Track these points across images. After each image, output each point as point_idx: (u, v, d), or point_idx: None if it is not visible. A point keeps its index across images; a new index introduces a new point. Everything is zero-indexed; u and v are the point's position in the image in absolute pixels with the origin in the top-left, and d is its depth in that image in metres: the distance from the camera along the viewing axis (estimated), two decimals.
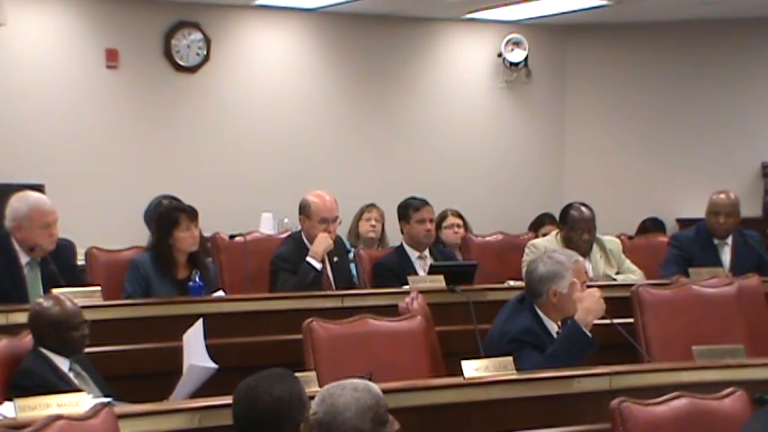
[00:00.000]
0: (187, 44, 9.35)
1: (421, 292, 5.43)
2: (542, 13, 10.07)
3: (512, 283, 6.38)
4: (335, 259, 6.47)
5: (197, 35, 9.38)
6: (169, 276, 5.99)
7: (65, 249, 5.87)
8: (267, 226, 8.84)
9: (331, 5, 9.58)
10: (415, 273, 6.54)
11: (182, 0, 9.31)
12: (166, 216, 6.10)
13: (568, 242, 6.63)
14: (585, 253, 6.60)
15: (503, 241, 7.50)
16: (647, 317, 5.40)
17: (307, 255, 6.25)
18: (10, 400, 3.83)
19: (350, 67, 10.05)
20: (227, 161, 9.51)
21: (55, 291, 5.02)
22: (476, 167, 10.47)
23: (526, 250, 6.79)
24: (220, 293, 5.99)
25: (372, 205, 8.20)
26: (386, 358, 4.69)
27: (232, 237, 6.80)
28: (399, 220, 6.90)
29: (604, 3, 9.60)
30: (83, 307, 4.61)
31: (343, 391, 3.22)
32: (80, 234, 6.48)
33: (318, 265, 6.23)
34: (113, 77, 9.13)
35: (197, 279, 5.92)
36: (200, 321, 4.87)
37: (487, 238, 7.53)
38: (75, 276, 5.82)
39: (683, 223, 9.53)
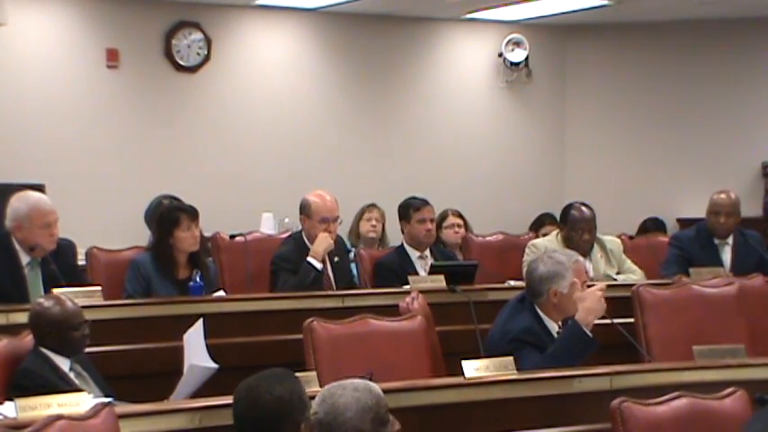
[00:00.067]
0: (188, 44, 9.35)
1: (421, 291, 5.43)
2: (543, 13, 10.07)
3: (512, 282, 6.38)
4: (336, 259, 6.47)
5: (197, 35, 9.38)
6: (170, 276, 5.99)
7: (65, 249, 5.87)
8: (268, 226, 8.84)
9: (331, 5, 9.58)
10: (416, 273, 6.54)
11: (182, 0, 9.32)
12: (167, 216, 6.10)
13: (569, 242, 6.63)
14: (586, 253, 6.60)
15: (503, 241, 7.50)
16: (648, 317, 5.41)
17: (307, 255, 6.25)
18: (11, 399, 3.83)
19: (350, 66, 10.05)
20: (228, 161, 9.51)
21: (55, 291, 5.03)
22: (476, 167, 10.47)
23: (527, 250, 6.79)
24: (221, 293, 5.99)
25: (373, 205, 8.20)
26: (386, 358, 4.69)
27: (233, 237, 6.80)
28: (400, 219, 6.90)
29: (605, 3, 9.60)
30: (83, 307, 4.61)
31: (343, 392, 3.22)
32: (81, 234, 6.47)
33: (319, 265, 6.23)
34: (114, 77, 9.13)
35: (197, 279, 5.92)
36: (200, 321, 4.87)
37: (488, 238, 7.53)
38: (75, 276, 5.82)
39: (684, 223, 9.53)
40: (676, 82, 10.59)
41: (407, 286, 6.01)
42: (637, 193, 10.51)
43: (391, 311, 5.12)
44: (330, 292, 6.12)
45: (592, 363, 4.66)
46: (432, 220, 6.88)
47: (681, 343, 5.08)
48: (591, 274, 6.47)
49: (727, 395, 3.86)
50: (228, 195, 9.31)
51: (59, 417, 3.28)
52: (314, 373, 4.13)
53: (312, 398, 3.30)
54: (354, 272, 6.87)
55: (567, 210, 6.83)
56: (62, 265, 5.71)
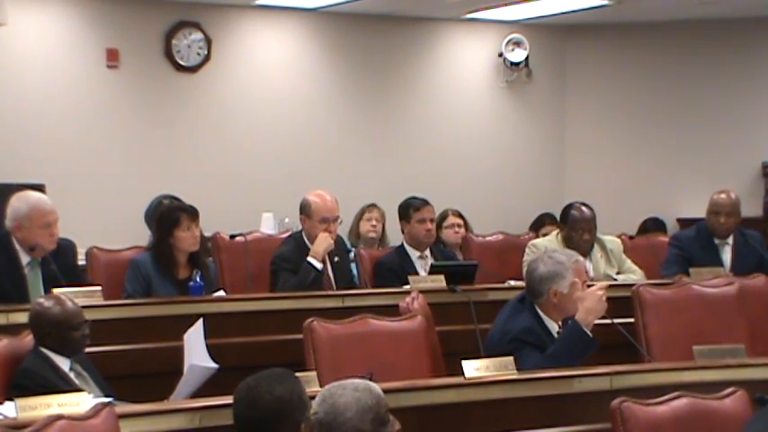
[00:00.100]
0: (188, 44, 9.35)
1: (421, 291, 5.43)
2: (543, 12, 10.07)
3: (512, 282, 6.38)
4: (336, 259, 6.47)
5: (197, 35, 9.38)
6: (170, 276, 5.99)
7: (65, 249, 5.87)
8: (268, 226, 8.84)
9: (331, 5, 9.58)
10: (416, 272, 6.54)
11: (182, 0, 9.32)
12: (167, 216, 6.10)
13: (569, 242, 6.63)
14: (586, 253, 6.60)
15: (503, 241, 7.50)
16: (648, 317, 5.41)
17: (307, 255, 6.25)
18: (11, 399, 3.83)
19: (350, 66, 10.05)
20: (228, 161, 9.51)
21: (55, 290, 5.03)
22: (476, 167, 10.47)
23: (527, 250, 6.79)
24: (221, 293, 5.99)
25: (373, 205, 8.20)
26: (386, 358, 4.69)
27: (233, 236, 6.80)
28: (400, 219, 6.90)
29: (605, 3, 9.60)
30: (83, 307, 4.61)
31: (343, 392, 3.22)
32: (81, 234, 6.47)
33: (319, 265, 6.23)
34: (114, 77, 9.13)
35: (198, 279, 5.92)
36: (200, 321, 4.87)
37: (488, 238, 7.53)
38: (75, 276, 5.81)
39: (684, 223, 9.53)
40: (676, 82, 10.59)
41: (407, 286, 6.01)
42: (637, 193, 10.51)
43: (391, 311, 5.12)
44: (330, 292, 6.12)
45: (592, 363, 4.66)
46: (432, 220, 6.88)
47: (681, 343, 5.08)
48: (591, 274, 6.47)
49: (728, 395, 3.86)
50: (228, 195, 9.31)
51: (59, 417, 3.28)
52: (314, 373, 4.13)
53: (312, 398, 3.30)
54: (354, 272, 6.87)
55: (568, 210, 6.83)
56: (62, 265, 5.71)
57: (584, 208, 6.79)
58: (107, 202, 8.91)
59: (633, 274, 6.76)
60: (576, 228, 6.72)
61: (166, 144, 9.32)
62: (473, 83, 10.58)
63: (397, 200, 7.08)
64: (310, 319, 4.74)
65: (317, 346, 4.65)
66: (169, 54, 9.29)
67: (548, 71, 10.81)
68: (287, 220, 8.66)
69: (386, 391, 3.31)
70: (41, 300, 4.64)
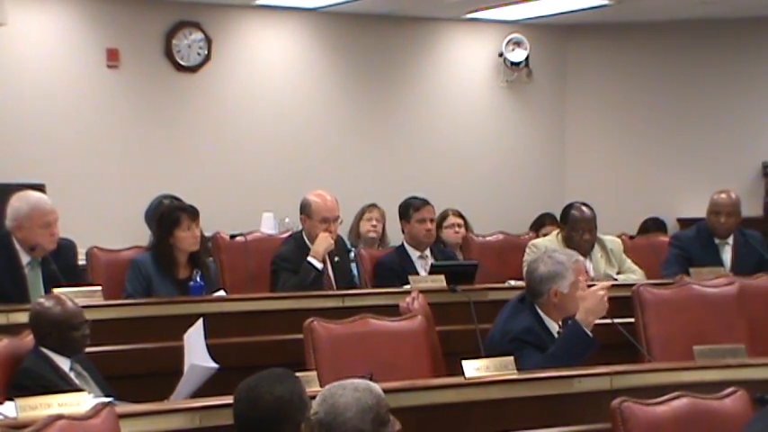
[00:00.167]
0: (188, 44, 9.35)
1: (422, 291, 5.43)
2: (543, 12, 10.07)
3: (512, 282, 6.38)
4: (336, 259, 6.47)
5: (198, 35, 9.38)
6: (170, 276, 5.99)
7: (66, 249, 5.87)
8: (268, 226, 8.84)
9: (331, 5, 9.58)
10: (416, 272, 6.54)
11: (182, 0, 9.31)
12: (167, 216, 6.10)
13: (569, 242, 6.64)
14: (586, 253, 6.60)
15: (503, 241, 7.50)
16: (648, 316, 5.41)
17: (308, 254, 6.25)
18: (11, 399, 3.83)
19: (350, 66, 10.05)
20: (228, 161, 9.51)
21: (56, 290, 5.03)
22: (477, 167, 10.47)
23: (527, 250, 6.79)
24: (221, 293, 5.99)
25: (373, 205, 8.19)
26: (386, 358, 4.69)
27: (233, 236, 6.80)
28: (400, 219, 6.90)
29: (605, 3, 9.60)
30: (84, 307, 4.61)
31: (344, 391, 3.22)
32: (81, 234, 6.48)
33: (319, 265, 6.23)
34: (114, 77, 9.13)
35: (198, 279, 5.92)
36: (200, 321, 4.87)
37: (488, 238, 7.54)
38: (75, 276, 5.82)
39: (684, 223, 9.52)
40: (677, 82, 10.59)
41: (408, 286, 6.01)
42: (637, 193, 10.51)
43: (391, 311, 5.12)
44: (330, 292, 6.12)
45: (592, 363, 4.66)
46: (432, 220, 6.88)
47: (681, 343, 5.08)
48: (591, 273, 6.47)
49: (728, 395, 3.86)
50: (229, 195, 9.31)
51: (60, 417, 3.28)
52: (314, 373, 4.13)
53: (312, 398, 3.30)
54: (355, 272, 6.87)
55: (568, 209, 6.83)
56: (62, 264, 5.71)
57: (584, 208, 6.80)
58: (107, 202, 8.91)
59: (633, 274, 6.76)
60: (577, 228, 6.72)
61: (166, 144, 9.32)
62: (473, 83, 10.58)
63: (397, 200, 7.08)
64: (310, 319, 4.74)
65: (317, 346, 4.65)
66: (169, 54, 9.29)
67: (548, 71, 10.81)
68: (287, 219, 8.66)
69: (386, 391, 3.31)
70: (42, 300, 4.64)
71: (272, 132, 9.71)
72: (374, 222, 8.07)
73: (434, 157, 10.29)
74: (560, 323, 4.86)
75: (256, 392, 3.28)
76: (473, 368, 4.34)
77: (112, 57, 9.08)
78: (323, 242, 6.27)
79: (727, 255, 6.95)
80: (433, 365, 4.92)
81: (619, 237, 7.21)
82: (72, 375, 4.45)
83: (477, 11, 10.02)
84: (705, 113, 10.51)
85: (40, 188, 6.88)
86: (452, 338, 5.39)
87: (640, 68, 10.67)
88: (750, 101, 10.40)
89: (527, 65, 10.60)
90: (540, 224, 9.01)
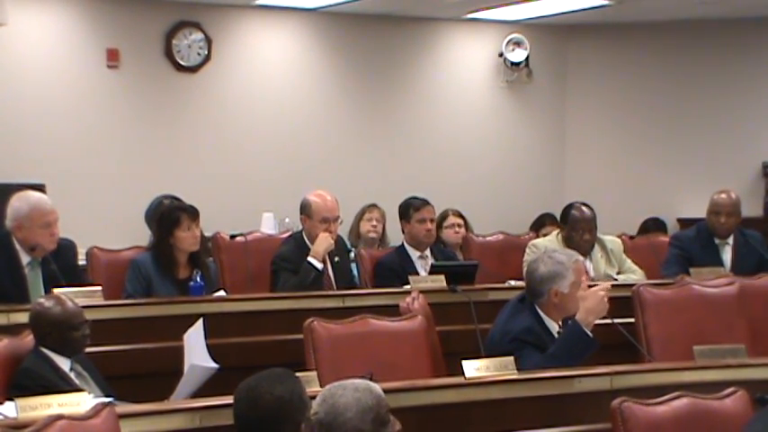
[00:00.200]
0: (188, 44, 9.35)
1: (422, 291, 5.43)
2: (543, 12, 10.07)
3: (512, 282, 6.38)
4: (336, 259, 6.47)
5: (198, 35, 9.38)
6: (170, 276, 5.99)
7: (66, 249, 5.87)
8: (268, 226, 8.84)
9: (331, 5, 9.58)
10: (416, 272, 6.54)
11: (182, 0, 9.31)
12: (167, 216, 6.10)
13: (569, 242, 6.64)
14: (586, 253, 6.60)
15: (503, 241, 7.50)
16: (648, 316, 5.40)
17: (308, 254, 6.25)
18: (11, 399, 3.83)
19: (351, 66, 10.05)
20: (228, 161, 9.51)
21: (56, 290, 5.03)
22: (477, 167, 10.47)
23: (527, 250, 6.79)
24: (221, 293, 5.99)
25: (374, 205, 8.19)
26: (387, 358, 4.69)
27: (233, 236, 6.80)
28: (400, 219, 6.90)
29: (605, 3, 9.60)
30: (84, 307, 4.61)
31: (344, 392, 3.21)
32: (81, 234, 6.48)
33: (319, 265, 6.23)
34: (114, 77, 9.13)
35: (198, 279, 5.92)
36: (200, 321, 4.87)
37: (488, 238, 7.54)
38: (76, 276, 5.81)
39: (684, 223, 9.53)
40: (677, 82, 10.59)
41: (408, 286, 6.01)
42: (637, 193, 10.51)
43: (391, 311, 5.12)
44: (330, 292, 6.12)
45: (592, 363, 4.65)
46: (432, 220, 6.88)
47: (681, 343, 5.08)
48: (591, 273, 6.48)
49: (728, 395, 3.86)
50: (229, 195, 9.31)
51: (60, 417, 3.28)
52: (314, 373, 4.13)
53: (312, 398, 3.30)
54: (355, 272, 6.87)
55: (568, 210, 6.83)
56: (62, 264, 5.71)
57: (584, 208, 6.80)
58: (107, 202, 8.91)
59: (633, 274, 6.76)
60: (577, 228, 6.72)
61: (167, 144, 9.32)
62: (473, 83, 10.58)
63: (397, 200, 7.08)
64: (311, 319, 4.74)
65: (317, 346, 4.65)
66: (169, 54, 9.29)
67: (548, 71, 10.81)
68: (287, 220, 8.66)
69: (386, 391, 3.31)
70: (42, 300, 4.64)
71: (272, 132, 9.71)
72: (374, 222, 8.07)
73: (434, 157, 10.29)
74: (560, 323, 4.86)
75: (256, 392, 3.28)
76: (473, 368, 4.34)
77: (112, 57, 9.08)
78: (323, 242, 6.27)
79: (727, 255, 6.95)
80: (433, 365, 4.92)
81: (619, 237, 7.21)
82: (72, 375, 4.45)
83: (477, 11, 10.02)
84: (705, 113, 10.51)
85: (40, 188, 6.88)
86: (452, 338, 5.39)
87: (640, 68, 10.67)
88: (750, 101, 10.40)
89: (527, 65, 10.60)
90: (541, 224, 9.01)
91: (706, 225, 7.01)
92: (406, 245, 6.82)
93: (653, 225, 9.74)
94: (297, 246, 6.38)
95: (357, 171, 9.89)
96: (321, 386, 3.63)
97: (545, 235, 7.54)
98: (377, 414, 3.20)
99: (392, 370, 4.48)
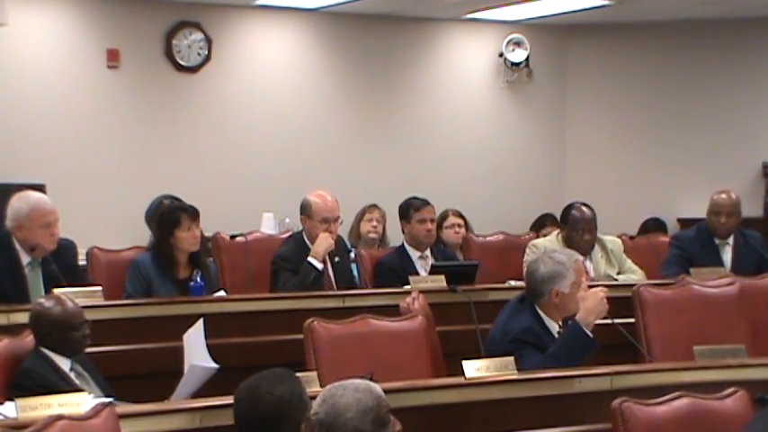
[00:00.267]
0: (188, 44, 9.35)
1: (422, 291, 5.43)
2: (543, 13, 10.07)
3: (513, 283, 6.38)
4: (336, 259, 6.47)
5: (198, 35, 9.38)
6: (170, 276, 5.99)
7: (66, 249, 5.87)
8: (268, 226, 8.84)
9: (331, 5, 9.58)
10: (417, 273, 6.54)
11: (183, 0, 9.32)
12: (168, 216, 6.10)
13: (569, 242, 6.63)
14: (586, 253, 6.60)
15: (504, 241, 7.50)
16: (649, 317, 5.40)
17: (308, 255, 6.25)
18: (11, 399, 3.83)
19: (351, 67, 10.05)
20: (229, 161, 9.51)
21: (56, 291, 5.03)
22: (477, 167, 10.47)
23: (527, 250, 6.79)
24: (221, 293, 5.98)
25: (374, 206, 8.19)
26: (387, 358, 4.69)
27: (233, 237, 6.80)
28: (400, 219, 6.90)
29: (605, 3, 9.60)
30: (84, 307, 4.61)
31: (344, 392, 3.21)
32: (81, 234, 6.47)
33: (320, 265, 6.23)
34: (114, 77, 9.13)
35: (198, 279, 5.92)
36: (200, 321, 4.88)
37: (488, 238, 7.54)
38: (76, 276, 5.81)
39: (685, 223, 9.53)
40: (677, 82, 10.59)
41: (408, 286, 6.01)
42: (637, 193, 10.51)
43: (392, 311, 5.12)
44: (330, 293, 6.12)
45: (592, 363, 4.66)
46: (432, 220, 6.88)
47: (681, 343, 5.08)
48: (591, 274, 6.48)
49: (728, 395, 3.86)
50: (229, 195, 9.31)
51: (60, 417, 3.28)
52: (314, 374, 4.13)
53: (313, 398, 3.30)
54: (355, 272, 6.87)
55: (568, 210, 6.83)
56: (63, 265, 5.71)
57: (584, 208, 6.80)
58: (107, 202, 8.91)
59: (634, 275, 6.76)
60: (577, 228, 6.72)
61: (167, 144, 9.32)
62: (473, 83, 10.58)
63: (397, 200, 7.08)
64: (311, 320, 4.74)
65: (317, 346, 4.65)
66: (169, 54, 9.29)
67: (548, 71, 10.81)
68: (287, 220, 8.66)
69: (386, 392, 3.30)
70: (42, 300, 4.64)
71: (272, 132, 9.71)
72: (374, 223, 8.07)
73: (434, 157, 10.29)
74: (560, 323, 4.86)
75: (257, 393, 3.28)
76: (473, 368, 4.34)
77: (113, 57, 9.09)
78: (323, 242, 6.27)
79: (727, 255, 6.95)
80: (434, 366, 4.92)
81: (619, 237, 7.21)
82: (72, 375, 4.45)
83: (477, 11, 10.02)
84: (705, 113, 10.51)
85: (40, 188, 6.88)
86: (452, 339, 5.39)
87: (640, 68, 10.67)
88: (750, 101, 10.40)
89: (527, 65, 10.60)
90: (541, 225, 9.01)
91: (706, 225, 7.01)
92: (406, 245, 6.82)
93: (653, 225, 9.74)
94: (297, 246, 6.38)
95: (357, 171, 9.89)
96: (321, 386, 3.63)
97: (545, 235, 7.54)
98: (377, 414, 3.20)
99: (392, 370, 4.48)
